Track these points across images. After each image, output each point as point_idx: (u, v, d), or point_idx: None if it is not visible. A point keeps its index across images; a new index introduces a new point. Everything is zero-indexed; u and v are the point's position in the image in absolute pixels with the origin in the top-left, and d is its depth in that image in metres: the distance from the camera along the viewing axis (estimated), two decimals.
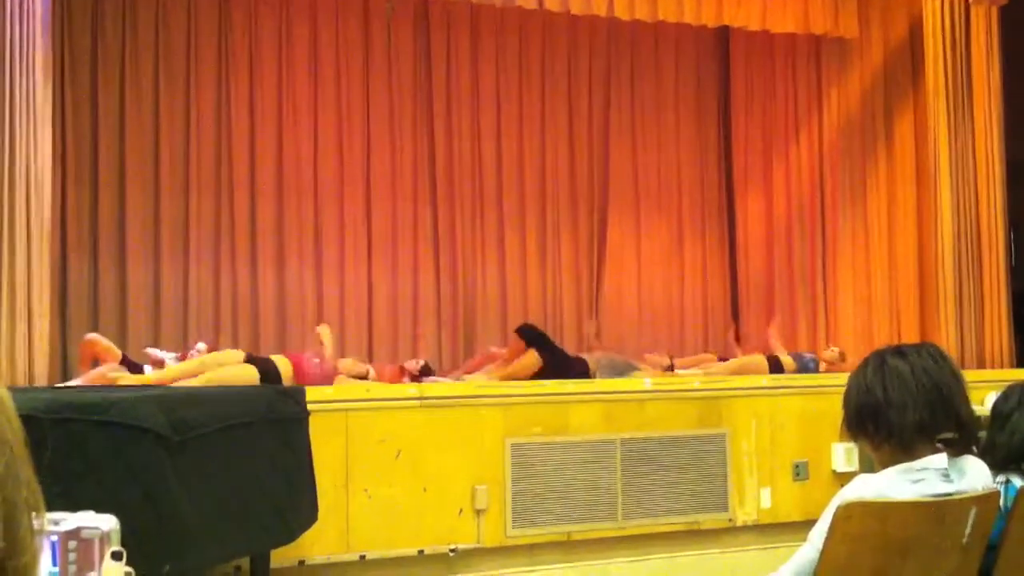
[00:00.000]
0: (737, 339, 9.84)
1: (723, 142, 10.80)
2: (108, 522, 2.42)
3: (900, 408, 2.83)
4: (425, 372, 7.92)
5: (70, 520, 2.40)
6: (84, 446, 3.60)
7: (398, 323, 9.48)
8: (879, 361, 2.79)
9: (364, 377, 7.27)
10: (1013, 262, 8.97)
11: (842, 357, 8.63)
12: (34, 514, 0.77)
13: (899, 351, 2.81)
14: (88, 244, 8.52)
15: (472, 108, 9.93)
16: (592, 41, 10.32)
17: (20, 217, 6.02)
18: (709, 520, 6.73)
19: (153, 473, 3.76)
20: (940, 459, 2.81)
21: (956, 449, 2.93)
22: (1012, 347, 8.63)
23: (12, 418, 0.75)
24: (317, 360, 6.81)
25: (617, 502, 6.46)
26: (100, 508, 2.45)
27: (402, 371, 8.00)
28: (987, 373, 7.97)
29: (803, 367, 8.38)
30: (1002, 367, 8.39)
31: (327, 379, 6.68)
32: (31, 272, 6.01)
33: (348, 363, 7.46)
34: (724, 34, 10.38)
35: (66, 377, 8.03)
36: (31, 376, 5.90)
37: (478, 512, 6.14)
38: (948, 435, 2.88)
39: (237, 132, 9.11)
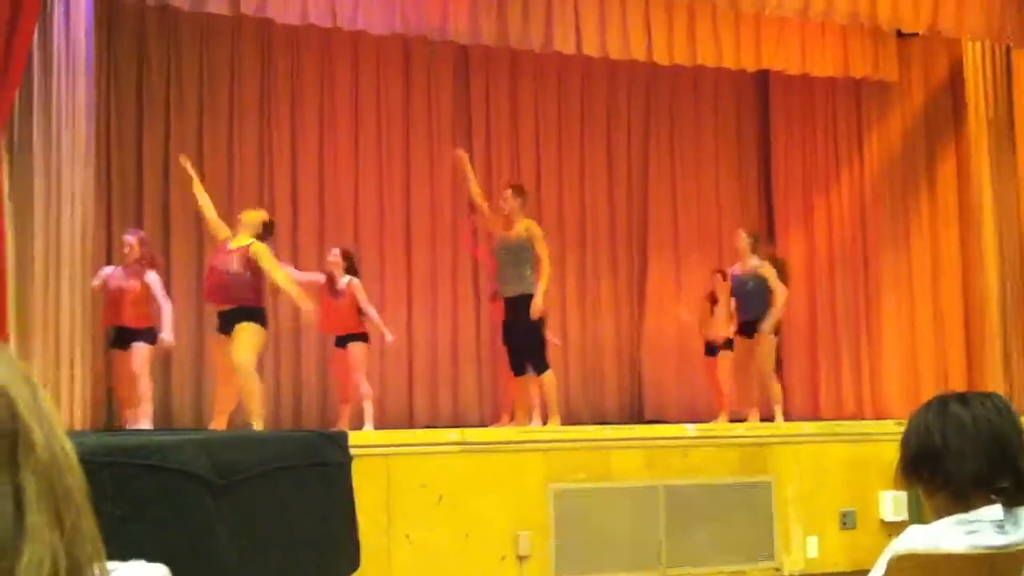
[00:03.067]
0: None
1: (763, 184, 10.76)
2: (159, 571, 2.39)
3: (958, 457, 2.76)
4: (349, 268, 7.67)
5: (121, 571, 2.38)
6: (129, 489, 3.58)
7: (437, 365, 9.46)
8: (941, 407, 2.72)
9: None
10: None
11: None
12: (96, 567, 0.76)
13: (962, 398, 2.74)
14: None
15: (511, 151, 9.97)
16: (631, 85, 10.34)
17: (65, 260, 6.07)
18: (755, 569, 6.62)
19: (197, 517, 3.74)
20: (995, 510, 2.73)
21: (1011, 500, 2.84)
22: None
23: (76, 470, 0.73)
24: None
25: (662, 550, 6.37)
26: (144, 552, 2.42)
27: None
28: None
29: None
30: None
31: None
32: (74, 317, 6.04)
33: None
34: (763, 77, 10.37)
35: (109, 421, 8.08)
36: (72, 420, 5.92)
37: (520, 559, 6.07)
38: (1004, 485, 2.79)
39: (279, 174, 9.18)
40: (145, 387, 7.22)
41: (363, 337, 7.70)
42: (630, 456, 6.44)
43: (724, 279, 8.86)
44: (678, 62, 8.98)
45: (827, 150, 10.24)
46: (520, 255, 7.28)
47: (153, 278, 7.16)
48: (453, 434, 6.28)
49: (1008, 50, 8.74)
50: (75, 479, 0.73)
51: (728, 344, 8.76)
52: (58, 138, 6.17)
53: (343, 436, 5.17)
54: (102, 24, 7.88)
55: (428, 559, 5.85)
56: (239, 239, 6.70)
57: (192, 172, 6.98)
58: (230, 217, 8.83)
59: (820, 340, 9.96)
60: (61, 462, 0.72)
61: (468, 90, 9.87)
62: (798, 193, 10.40)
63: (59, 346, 5.91)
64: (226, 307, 6.58)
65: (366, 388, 7.57)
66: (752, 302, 8.09)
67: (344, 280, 7.65)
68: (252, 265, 6.59)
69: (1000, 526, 2.60)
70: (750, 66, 9.27)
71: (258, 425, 6.40)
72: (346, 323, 7.64)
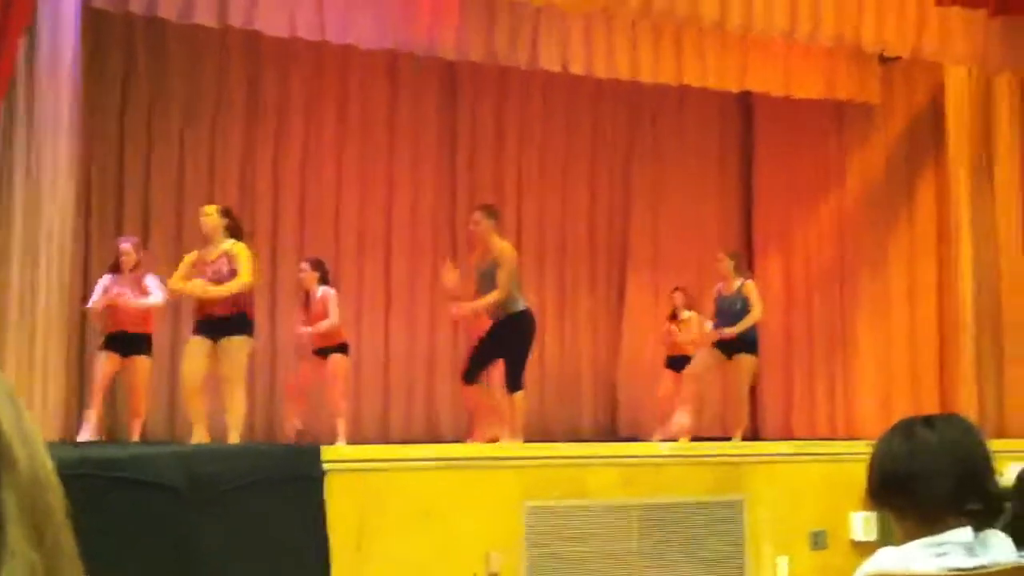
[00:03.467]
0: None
1: (744, 204, 10.82)
2: None
3: (926, 479, 2.79)
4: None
5: None
6: (103, 502, 3.60)
7: (414, 377, 9.48)
8: (907, 431, 2.76)
9: None
10: None
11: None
12: None
13: (927, 421, 2.78)
14: None
15: (495, 166, 10.01)
16: (616, 103, 10.39)
17: (42, 273, 6.07)
18: None
19: (170, 530, 3.76)
20: (965, 533, 2.77)
21: (981, 522, 2.88)
22: None
23: (56, 487, 0.75)
24: None
25: (634, 568, 6.40)
26: (118, 564, 2.45)
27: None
28: (1008, 443, 7.88)
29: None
30: (1023, 437, 8.30)
31: None
32: (49, 326, 6.05)
33: None
34: (747, 98, 10.44)
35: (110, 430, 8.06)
36: (45, 430, 5.92)
37: (491, 575, 6.09)
38: (974, 507, 2.83)
39: (261, 187, 9.20)
40: (142, 399, 7.30)
41: (343, 349, 7.68)
42: (606, 473, 6.47)
43: (685, 296, 8.93)
44: (663, 81, 9.03)
45: (809, 171, 10.30)
46: (496, 278, 7.16)
47: (152, 280, 7.17)
48: (429, 450, 6.30)
49: (989, 76, 8.82)
50: (55, 497, 0.74)
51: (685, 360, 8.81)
52: (40, 149, 6.18)
53: (317, 450, 5.20)
54: (88, 35, 7.89)
55: (401, 574, 5.86)
56: (216, 247, 6.64)
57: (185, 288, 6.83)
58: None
59: (795, 360, 10.02)
60: (42, 480, 0.73)
61: (454, 105, 9.91)
62: (779, 213, 10.46)
63: (32, 355, 5.91)
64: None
65: (343, 404, 7.53)
66: (737, 322, 8.13)
67: (319, 291, 7.60)
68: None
69: (969, 548, 2.64)
70: (734, 87, 9.34)
71: (235, 438, 6.40)
72: (326, 335, 7.61)
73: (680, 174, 10.55)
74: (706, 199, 10.65)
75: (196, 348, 6.56)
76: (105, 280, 7.24)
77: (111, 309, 7.13)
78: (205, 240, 6.66)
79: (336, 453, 5.81)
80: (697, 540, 6.59)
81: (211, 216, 6.60)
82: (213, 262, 6.59)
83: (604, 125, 10.43)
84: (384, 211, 9.56)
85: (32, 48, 6.13)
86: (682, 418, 8.08)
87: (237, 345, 6.50)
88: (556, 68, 8.70)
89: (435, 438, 8.90)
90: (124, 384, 7.45)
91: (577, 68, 8.68)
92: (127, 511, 3.73)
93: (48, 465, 0.74)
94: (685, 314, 8.98)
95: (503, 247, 7.29)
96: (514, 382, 7.17)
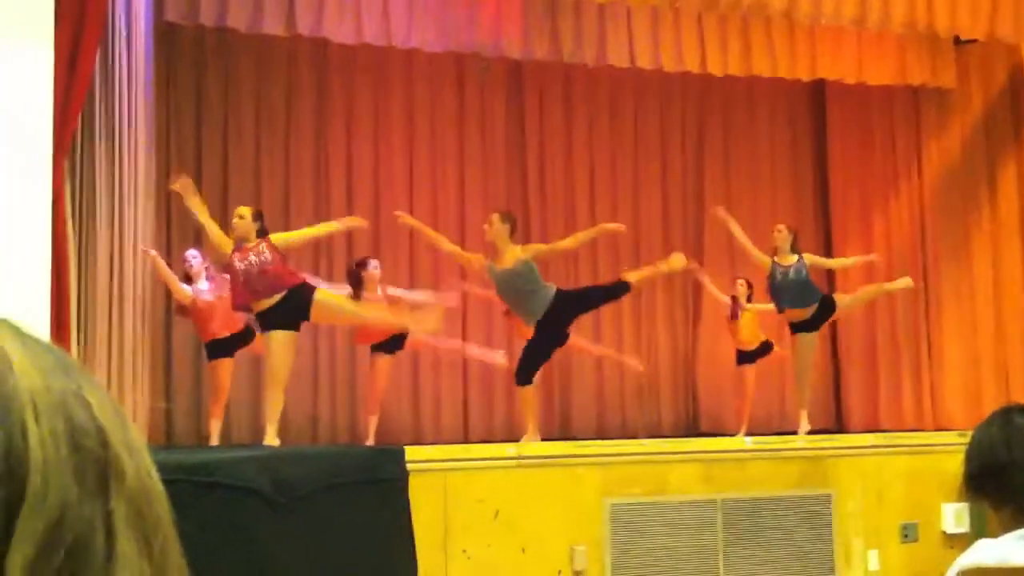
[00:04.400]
0: None
1: (820, 196, 10.65)
2: None
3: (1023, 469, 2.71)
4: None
5: None
6: (193, 508, 3.64)
7: (494, 380, 9.48)
8: (1005, 419, 2.68)
9: None
10: None
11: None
12: None
13: None
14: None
15: (565, 166, 9.98)
16: (684, 98, 10.30)
17: (128, 284, 6.17)
18: None
19: (258, 534, 3.79)
20: None
21: None
22: None
23: (164, 498, 0.75)
24: None
25: (719, 564, 6.33)
26: (205, 569, 2.46)
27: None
28: None
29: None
30: None
31: None
32: (136, 336, 6.15)
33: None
34: (819, 87, 10.29)
35: (170, 438, 8.23)
36: None
37: (577, 573, 6.07)
38: None
39: (335, 195, 9.27)
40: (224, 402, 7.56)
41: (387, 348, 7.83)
42: (687, 469, 6.41)
43: (747, 288, 8.85)
44: (732, 73, 8.95)
45: (885, 160, 10.12)
46: (521, 286, 7.11)
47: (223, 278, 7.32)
48: (510, 449, 6.30)
49: None
50: (163, 507, 0.75)
51: (762, 351, 8.76)
52: (120, 162, 6.28)
53: (400, 452, 5.21)
54: (161, 47, 8.03)
55: (485, 574, 5.86)
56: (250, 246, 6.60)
57: (197, 208, 6.89)
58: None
59: (880, 352, 9.83)
60: (150, 490, 0.74)
61: (521, 106, 9.90)
62: (856, 204, 10.28)
63: (122, 365, 6.01)
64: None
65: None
66: (793, 294, 7.92)
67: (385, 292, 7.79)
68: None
69: None
70: (805, 76, 9.21)
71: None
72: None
73: (753, 167, 10.42)
74: (781, 191, 10.51)
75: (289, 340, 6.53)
76: (191, 290, 7.42)
77: (206, 317, 7.35)
78: (240, 241, 6.62)
79: (420, 454, 5.83)
80: (783, 535, 6.50)
81: (246, 219, 6.63)
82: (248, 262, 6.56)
83: (674, 120, 10.34)
84: (456, 214, 9.58)
85: (107, 62, 6.23)
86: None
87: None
88: (623, 64, 8.65)
89: (515, 439, 8.88)
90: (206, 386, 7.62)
91: (644, 63, 8.63)
92: (216, 516, 3.77)
93: (155, 475, 0.75)
94: (747, 306, 8.88)
95: (524, 250, 7.25)
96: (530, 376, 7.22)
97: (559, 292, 7.24)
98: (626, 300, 9.81)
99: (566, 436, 8.99)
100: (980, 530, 6.06)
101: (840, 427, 9.80)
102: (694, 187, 10.34)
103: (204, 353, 7.82)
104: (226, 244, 6.61)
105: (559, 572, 6.04)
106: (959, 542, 6.42)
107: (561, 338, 7.40)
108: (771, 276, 8.03)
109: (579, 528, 6.10)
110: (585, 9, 8.42)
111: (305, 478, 4.32)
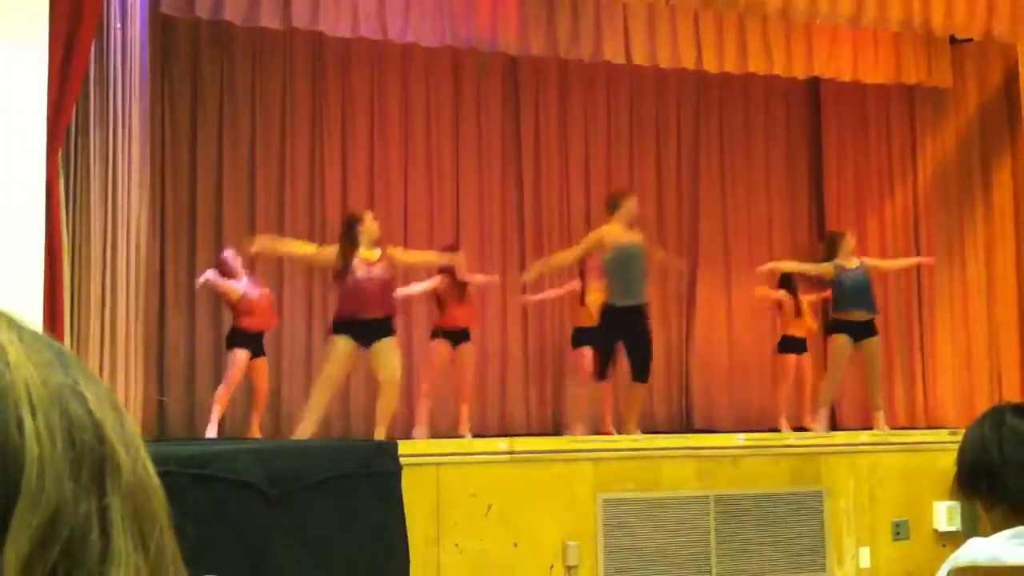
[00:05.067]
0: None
1: (815, 193, 10.67)
2: None
3: (1016, 469, 2.72)
4: None
5: None
6: (185, 500, 3.64)
7: (487, 375, 9.48)
8: (997, 419, 2.68)
9: None
10: None
11: None
12: None
13: (1018, 409, 2.70)
14: (185, 300, 8.69)
15: (561, 161, 9.98)
16: (680, 94, 10.31)
17: (121, 274, 6.17)
18: None
19: (251, 528, 3.79)
20: None
21: None
22: None
23: (160, 492, 0.75)
24: None
25: (711, 561, 6.34)
26: (197, 562, 2.46)
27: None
28: None
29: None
30: None
31: None
32: (129, 328, 6.14)
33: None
34: (815, 85, 10.30)
35: (163, 431, 8.23)
36: None
37: (569, 568, 6.07)
38: None
39: (330, 188, 9.26)
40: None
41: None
42: (681, 465, 6.42)
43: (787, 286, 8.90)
44: (728, 70, 8.95)
45: (880, 158, 10.14)
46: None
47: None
48: (503, 443, 6.30)
49: None
50: (159, 501, 0.75)
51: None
52: (114, 153, 6.27)
53: (393, 445, 5.21)
54: (156, 40, 8.02)
55: (477, 569, 5.87)
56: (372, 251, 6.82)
57: (263, 245, 7.17)
58: (281, 230, 8.95)
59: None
60: (147, 485, 0.74)
61: (517, 101, 9.89)
62: (850, 201, 10.30)
63: (115, 356, 6.01)
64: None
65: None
66: (862, 297, 8.02)
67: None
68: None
69: None
70: (801, 74, 9.23)
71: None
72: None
73: (748, 164, 10.43)
74: (776, 189, 10.52)
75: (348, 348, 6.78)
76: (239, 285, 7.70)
77: (249, 310, 7.64)
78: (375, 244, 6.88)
79: (413, 448, 5.84)
80: (776, 532, 6.51)
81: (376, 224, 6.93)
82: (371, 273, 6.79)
83: (669, 117, 10.35)
84: (451, 208, 9.58)
85: (102, 55, 6.23)
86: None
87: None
88: (619, 60, 8.65)
89: (508, 434, 8.88)
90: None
91: (640, 59, 8.63)
92: (209, 508, 3.76)
93: (151, 470, 0.75)
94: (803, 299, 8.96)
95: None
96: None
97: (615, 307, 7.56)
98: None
99: (559, 432, 9.00)
100: (972, 529, 6.07)
101: (833, 425, 9.81)
102: (689, 184, 10.35)
103: (224, 346, 8.02)
104: (329, 256, 6.84)
105: (551, 567, 6.05)
106: (951, 540, 6.44)
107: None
108: (837, 280, 8.06)
109: (572, 523, 6.11)
110: (582, 5, 8.42)
111: (299, 471, 4.31)
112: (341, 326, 6.75)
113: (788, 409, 8.87)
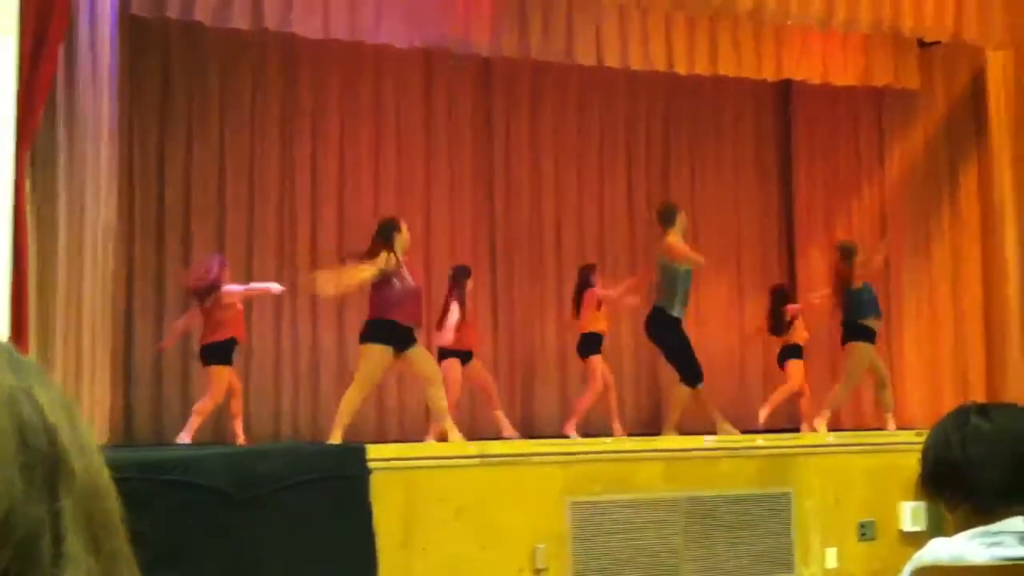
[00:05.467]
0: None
1: (784, 196, 10.73)
2: None
3: (979, 469, 2.74)
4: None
5: None
6: (153, 504, 3.62)
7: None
8: (961, 419, 2.71)
9: None
10: None
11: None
12: None
13: (983, 410, 2.72)
14: (153, 301, 8.64)
15: (532, 163, 9.99)
16: (651, 95, 10.34)
17: (87, 276, 6.12)
18: None
19: (219, 530, 3.78)
20: (1018, 522, 2.71)
21: None
22: None
23: (114, 494, 0.76)
24: None
25: (680, 562, 6.37)
26: (166, 566, 2.46)
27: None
28: None
29: None
30: None
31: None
32: (95, 331, 6.10)
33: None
34: (785, 87, 10.35)
35: (130, 436, 8.17)
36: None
37: (538, 571, 6.08)
38: None
39: (300, 189, 9.23)
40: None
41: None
42: (650, 468, 6.45)
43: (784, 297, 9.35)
44: (698, 72, 8.98)
45: (849, 159, 10.21)
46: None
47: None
48: (471, 447, 6.30)
49: None
50: (113, 505, 0.75)
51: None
52: (82, 154, 6.23)
53: (362, 449, 5.21)
54: (126, 40, 7.96)
55: (446, 572, 5.87)
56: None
57: (323, 286, 7.26)
58: (250, 240, 8.91)
59: (841, 351, 9.91)
60: (100, 488, 0.74)
61: (489, 102, 9.89)
62: (820, 202, 10.37)
63: (80, 358, 5.96)
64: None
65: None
66: (873, 305, 8.30)
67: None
68: None
69: (1023, 538, 2.59)
70: (771, 76, 9.27)
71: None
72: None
73: (718, 166, 10.49)
74: (745, 190, 10.57)
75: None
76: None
77: (226, 320, 7.55)
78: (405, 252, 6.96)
79: (382, 452, 5.83)
80: (744, 533, 6.55)
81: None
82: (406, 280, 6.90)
83: (640, 118, 10.39)
84: (423, 209, 9.57)
85: (71, 54, 6.18)
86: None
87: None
88: (591, 62, 8.66)
89: (477, 437, 8.88)
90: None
91: (612, 61, 8.64)
92: (176, 512, 3.75)
93: (105, 474, 0.75)
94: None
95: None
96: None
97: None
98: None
99: (529, 434, 9.01)
100: (937, 529, 6.12)
101: (801, 426, 9.87)
102: (659, 185, 10.38)
103: (193, 352, 7.97)
104: (381, 263, 6.79)
105: (520, 570, 6.05)
106: (916, 540, 6.48)
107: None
108: (854, 289, 8.30)
109: (541, 526, 6.12)
110: (554, 7, 8.43)
111: (267, 475, 4.31)
112: (379, 332, 6.74)
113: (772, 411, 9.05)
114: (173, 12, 7.59)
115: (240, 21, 7.71)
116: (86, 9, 6.40)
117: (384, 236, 6.87)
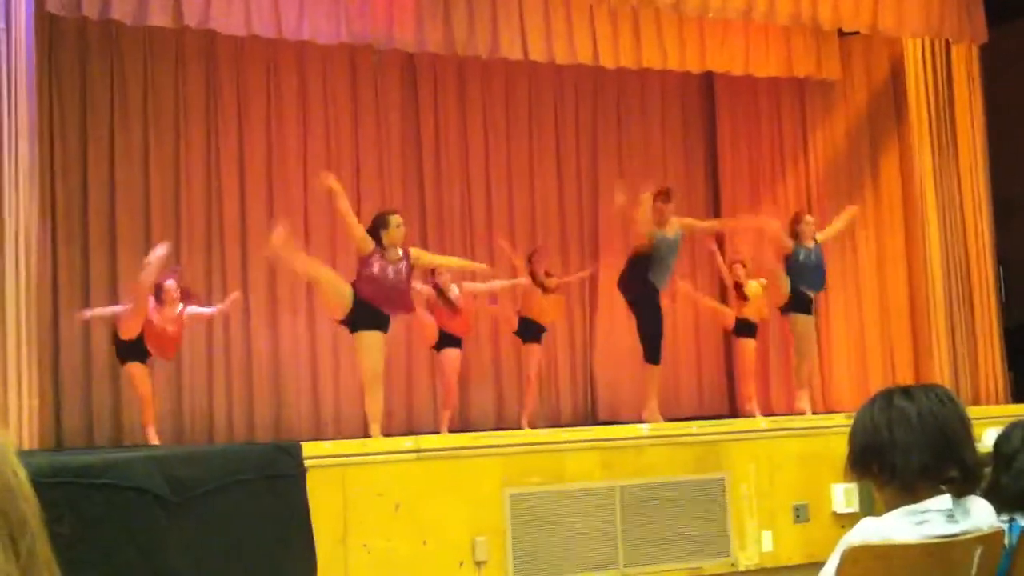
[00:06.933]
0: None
1: (710, 184, 10.85)
2: None
3: (904, 450, 2.80)
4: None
5: None
6: (80, 509, 3.55)
7: (392, 373, 9.43)
8: (886, 401, 2.76)
9: None
10: (1003, 298, 9.00)
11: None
12: None
13: (907, 391, 2.78)
14: (80, 302, 8.48)
15: (460, 157, 9.98)
16: (578, 89, 10.39)
17: (10, 280, 5.99)
18: (712, 565, 6.69)
19: (150, 535, 3.72)
20: (944, 500, 2.77)
21: (960, 490, 2.89)
22: (1006, 383, 8.64)
23: (30, 496, 0.74)
24: None
25: (619, 550, 6.41)
26: (95, 571, 2.41)
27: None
28: (982, 409, 7.97)
29: None
30: (996, 403, 8.39)
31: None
32: (20, 336, 5.97)
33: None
34: (708, 79, 10.46)
35: (59, 439, 8.02)
36: (20, 440, 5.85)
37: (478, 564, 6.09)
38: (952, 475, 2.84)
39: (227, 187, 9.13)
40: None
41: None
42: (586, 457, 6.48)
43: (744, 267, 9.22)
44: (624, 65, 9.04)
45: (772, 148, 10.35)
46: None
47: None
48: (408, 442, 6.29)
49: (948, 46, 8.88)
50: (29, 505, 0.74)
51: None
52: (0, 155, 6.09)
53: (297, 447, 5.15)
54: (43, 41, 7.80)
55: (386, 568, 5.84)
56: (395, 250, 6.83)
57: (337, 187, 7.07)
58: (178, 238, 8.78)
59: (770, 338, 10.05)
60: (14, 489, 0.72)
61: (416, 97, 9.87)
62: (745, 191, 10.50)
63: (5, 363, 5.84)
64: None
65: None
66: (815, 276, 8.32)
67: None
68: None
69: (950, 515, 2.65)
70: (695, 68, 9.36)
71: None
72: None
73: (645, 157, 10.56)
74: (672, 180, 10.61)
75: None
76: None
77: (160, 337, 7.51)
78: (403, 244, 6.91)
79: (318, 449, 5.79)
80: (681, 519, 6.61)
81: (402, 229, 6.98)
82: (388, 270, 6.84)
83: (567, 111, 10.43)
84: (352, 203, 9.44)
85: None
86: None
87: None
88: (517, 56, 8.67)
89: (414, 431, 8.85)
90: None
91: (537, 55, 8.66)
92: (105, 517, 3.68)
93: (20, 474, 0.73)
94: (752, 284, 9.16)
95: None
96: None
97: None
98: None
99: (465, 428, 9.02)
100: (870, 509, 6.24)
101: (734, 412, 9.99)
102: (588, 176, 10.44)
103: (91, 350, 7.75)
104: (366, 246, 6.85)
105: (461, 563, 6.05)
106: (849, 521, 6.60)
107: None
108: (794, 257, 8.25)
109: (480, 519, 6.13)
110: (477, 1, 8.42)
111: (200, 477, 4.24)
112: (368, 319, 6.77)
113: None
114: (90, 12, 7.43)
115: (159, 19, 7.58)
116: (0, 8, 6.26)
117: (372, 231, 6.91)
